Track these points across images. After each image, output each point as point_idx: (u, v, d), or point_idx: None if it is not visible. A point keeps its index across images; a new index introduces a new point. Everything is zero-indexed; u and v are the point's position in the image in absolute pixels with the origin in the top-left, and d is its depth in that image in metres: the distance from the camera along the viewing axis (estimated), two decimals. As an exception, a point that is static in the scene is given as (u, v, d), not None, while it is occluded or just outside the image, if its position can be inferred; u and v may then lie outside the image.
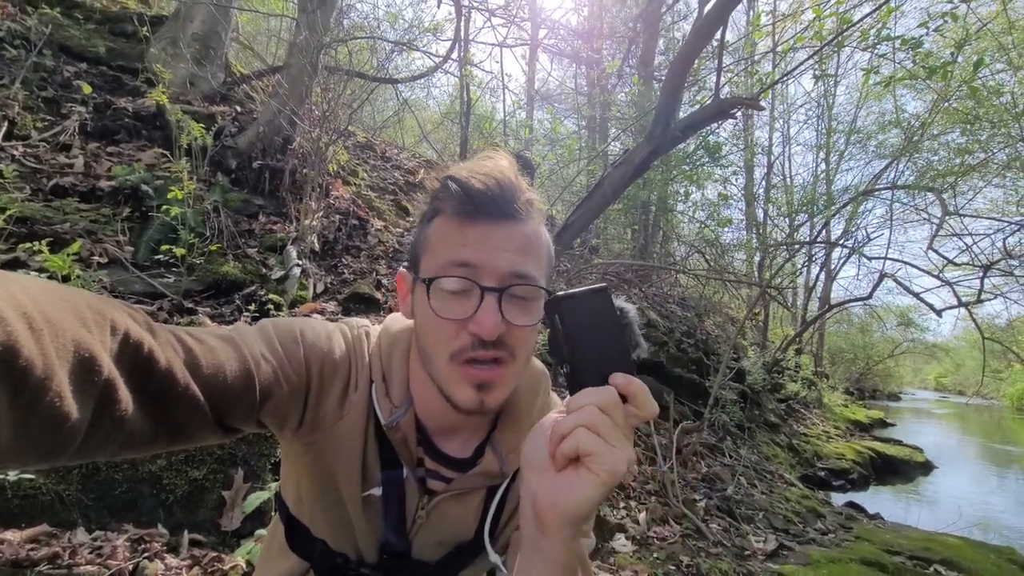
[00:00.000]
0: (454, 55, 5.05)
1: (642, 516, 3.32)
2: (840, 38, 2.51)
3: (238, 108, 3.90)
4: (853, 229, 10.23)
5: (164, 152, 3.02)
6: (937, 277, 7.15)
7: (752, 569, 3.01)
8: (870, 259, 8.17)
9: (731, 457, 4.97)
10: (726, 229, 8.53)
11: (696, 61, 2.76)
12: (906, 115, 6.72)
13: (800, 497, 4.62)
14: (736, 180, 10.88)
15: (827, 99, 11.92)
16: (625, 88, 9.07)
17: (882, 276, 7.96)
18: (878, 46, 2.66)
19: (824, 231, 9.85)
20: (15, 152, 2.52)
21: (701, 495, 3.91)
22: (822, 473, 6.32)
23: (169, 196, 2.38)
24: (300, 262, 3.12)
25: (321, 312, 2.97)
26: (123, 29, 3.77)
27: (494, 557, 0.66)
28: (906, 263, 7.68)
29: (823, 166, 12.44)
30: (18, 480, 1.33)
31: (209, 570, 1.68)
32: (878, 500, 5.92)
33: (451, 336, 0.55)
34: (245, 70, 4.47)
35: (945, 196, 6.57)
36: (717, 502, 3.85)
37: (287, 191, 3.47)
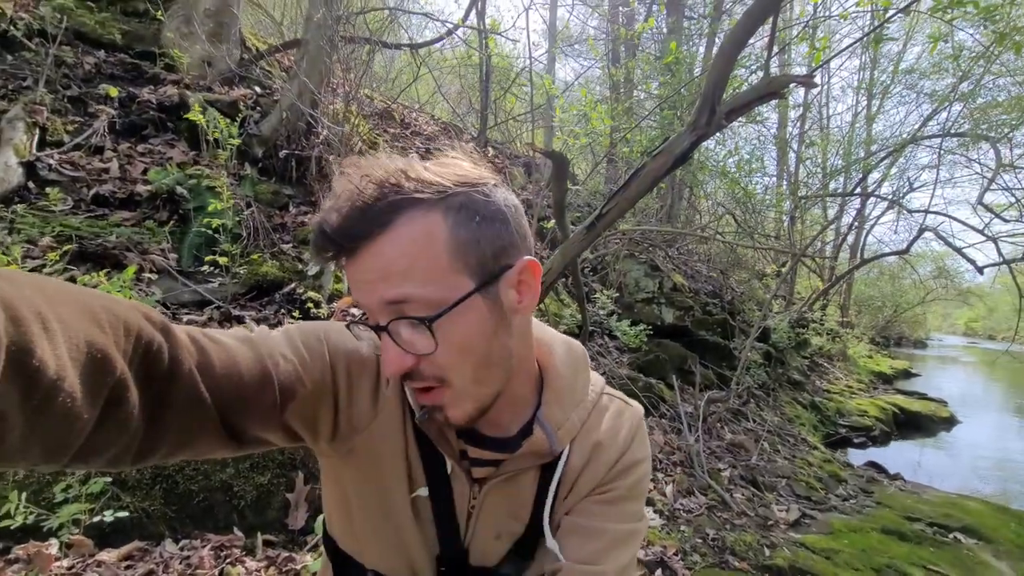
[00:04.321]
0: (472, 18, 4.75)
1: (669, 489, 3.48)
2: (909, 6, 2.27)
3: (257, 89, 3.80)
4: (893, 176, 9.72)
5: (193, 148, 3.00)
6: (982, 232, 6.84)
7: (775, 540, 3.16)
8: (911, 212, 7.81)
9: (754, 421, 5.07)
10: (756, 177, 8.17)
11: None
12: (965, 51, 6.14)
13: (822, 461, 4.74)
14: (767, 124, 10.30)
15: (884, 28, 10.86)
16: (652, 29, 8.44)
17: (922, 230, 7.65)
18: (948, 11, 2.40)
19: (862, 181, 9.39)
20: (51, 161, 2.54)
21: (726, 464, 4.05)
22: (843, 431, 6.43)
23: (209, 208, 2.39)
24: (333, 254, 3.15)
25: (356, 306, 3.03)
26: (135, 8, 3.63)
27: (551, 543, 0.64)
28: (950, 217, 7.36)
29: (864, 103, 11.65)
30: (114, 516, 1.46)
31: (284, 569, 1.85)
32: (899, 457, 6.04)
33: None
34: (261, 44, 4.31)
35: (1000, 147, 6.13)
36: (741, 471, 3.99)
37: (314, 179, 3.45)
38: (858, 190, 9.41)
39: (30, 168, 2.42)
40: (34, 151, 2.45)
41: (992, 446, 6.73)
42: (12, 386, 0.29)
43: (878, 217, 10.68)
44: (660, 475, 3.66)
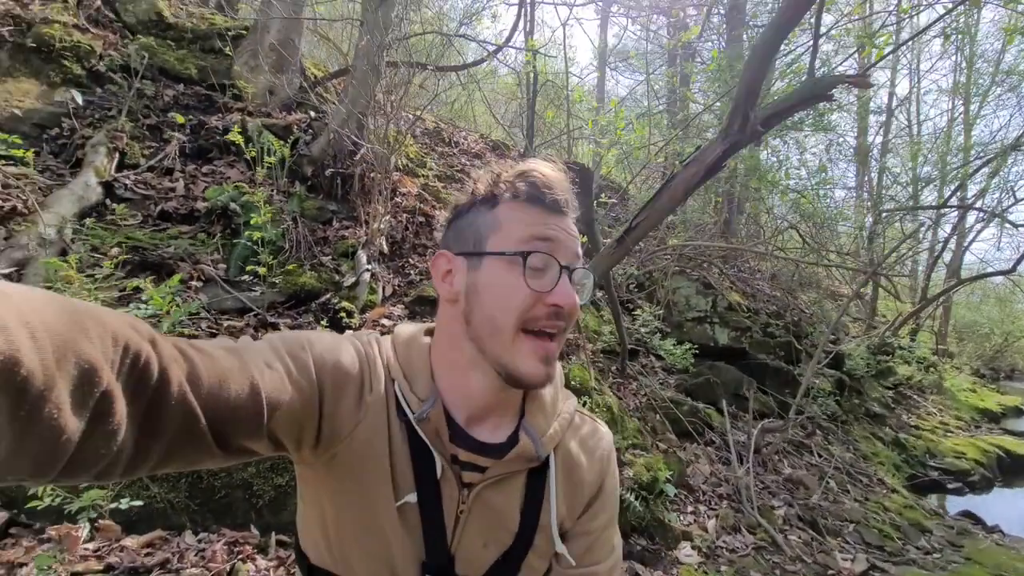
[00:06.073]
0: (518, 37, 4.85)
1: (711, 523, 3.21)
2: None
3: (312, 113, 4.08)
4: (994, 186, 8.62)
5: (251, 169, 3.27)
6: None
7: (834, 592, 2.81)
8: (1016, 226, 6.87)
9: (820, 456, 4.60)
10: (828, 190, 7.56)
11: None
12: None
13: (902, 507, 4.18)
14: (846, 129, 9.58)
15: (968, 26, 9.69)
16: (711, 39, 8.19)
17: (1031, 247, 6.71)
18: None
19: (958, 191, 8.42)
20: (127, 181, 2.86)
21: (781, 501, 3.69)
22: (934, 474, 5.65)
23: (252, 221, 2.58)
24: (369, 267, 3.27)
25: (388, 317, 3.12)
26: (212, 46, 4.05)
27: (560, 547, 0.68)
28: (1065, 231, 6.38)
29: (960, 107, 10.50)
30: (129, 505, 1.57)
31: (292, 571, 1.90)
32: (1003, 507, 5.20)
33: (528, 306, 0.59)
34: (320, 72, 4.64)
35: None
36: (799, 511, 3.60)
37: (357, 196, 3.62)
38: (954, 201, 8.44)
39: (108, 187, 2.74)
40: (113, 172, 2.77)
41: None
42: (0, 397, 0.29)
43: (978, 232, 9.47)
44: (702, 508, 3.39)
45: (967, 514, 4.56)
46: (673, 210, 2.68)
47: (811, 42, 3.69)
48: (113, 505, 1.50)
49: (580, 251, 0.65)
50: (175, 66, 3.72)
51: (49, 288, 2.14)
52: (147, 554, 1.65)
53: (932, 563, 3.36)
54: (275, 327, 2.62)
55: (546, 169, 0.65)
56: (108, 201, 2.73)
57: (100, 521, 1.60)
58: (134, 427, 0.41)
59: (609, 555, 0.73)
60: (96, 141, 2.74)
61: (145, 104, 3.28)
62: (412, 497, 0.62)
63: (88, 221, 2.42)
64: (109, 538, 1.63)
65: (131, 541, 1.65)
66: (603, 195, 5.10)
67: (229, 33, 3.99)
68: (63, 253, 2.22)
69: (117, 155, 2.87)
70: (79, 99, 2.86)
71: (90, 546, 1.56)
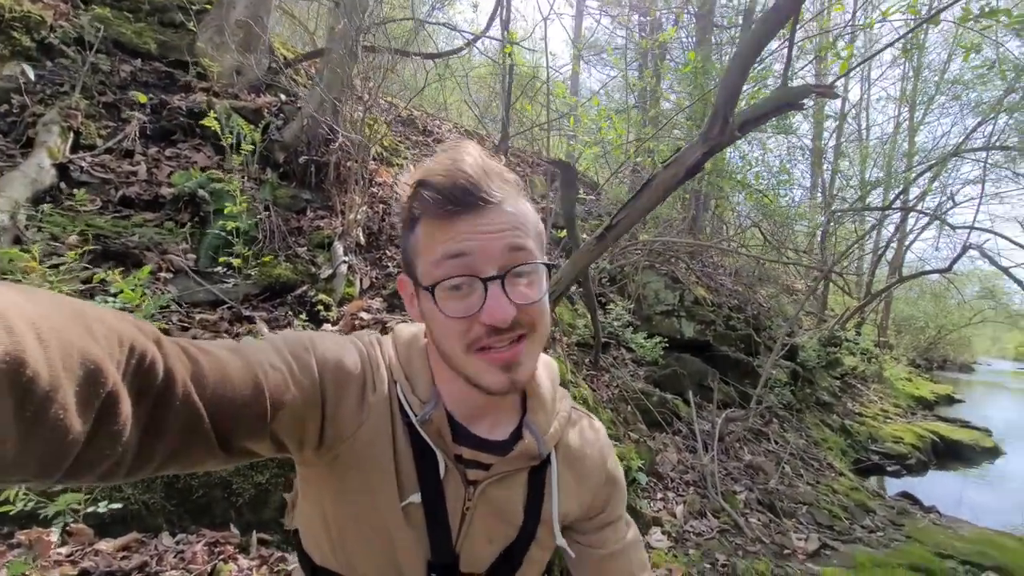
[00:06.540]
0: (495, 26, 4.79)
1: (679, 509, 3.36)
2: (936, 16, 2.17)
3: (283, 96, 3.92)
4: (935, 190, 9.26)
5: (218, 153, 3.11)
6: (1031, 252, 6.43)
7: (791, 570, 3.01)
8: (954, 228, 7.41)
9: (776, 443, 4.87)
10: (786, 188, 7.90)
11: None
12: (1009, 62, 5.82)
13: (849, 489, 4.50)
14: (803, 132, 10.03)
15: (917, 38, 10.31)
16: (681, 36, 8.34)
17: (966, 247, 7.27)
18: (978, 21, 2.27)
19: (901, 194, 8.99)
20: (83, 163, 2.67)
21: (742, 487, 3.89)
22: (875, 458, 6.10)
23: (225, 211, 2.47)
24: (346, 258, 3.20)
25: (367, 310, 3.07)
26: (171, 19, 3.81)
27: (560, 540, 0.69)
28: (996, 234, 6.94)
29: (906, 114, 11.18)
30: (107, 508, 1.50)
31: (275, 569, 1.87)
32: (936, 488, 5.68)
33: (463, 331, 0.57)
34: (289, 53, 4.45)
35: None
36: (759, 495, 3.82)
37: (332, 185, 3.52)
38: (897, 203, 9.01)
39: (63, 170, 2.56)
40: (67, 154, 2.59)
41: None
42: (6, 397, 0.29)
43: (918, 233, 10.16)
44: (671, 495, 3.54)
45: (906, 495, 4.95)
46: (652, 209, 2.75)
47: (777, 49, 3.82)
48: (91, 509, 1.43)
49: (517, 239, 0.57)
50: (132, 39, 3.48)
51: (4, 278, 1.99)
52: (123, 557, 1.58)
53: (876, 541, 3.65)
54: (250, 320, 2.54)
55: (443, 166, 0.56)
56: (63, 185, 2.54)
57: (71, 525, 1.53)
58: (139, 427, 0.40)
59: (629, 528, 0.79)
60: (48, 119, 2.55)
61: (100, 80, 3.06)
62: (416, 497, 0.63)
63: (45, 207, 2.25)
64: (82, 542, 1.55)
65: (105, 544, 1.58)
66: (579, 190, 5.16)
67: (192, 6, 3.76)
68: (17, 241, 2.06)
69: (72, 135, 2.67)
70: (30, 73, 2.64)
71: (63, 551, 1.48)
